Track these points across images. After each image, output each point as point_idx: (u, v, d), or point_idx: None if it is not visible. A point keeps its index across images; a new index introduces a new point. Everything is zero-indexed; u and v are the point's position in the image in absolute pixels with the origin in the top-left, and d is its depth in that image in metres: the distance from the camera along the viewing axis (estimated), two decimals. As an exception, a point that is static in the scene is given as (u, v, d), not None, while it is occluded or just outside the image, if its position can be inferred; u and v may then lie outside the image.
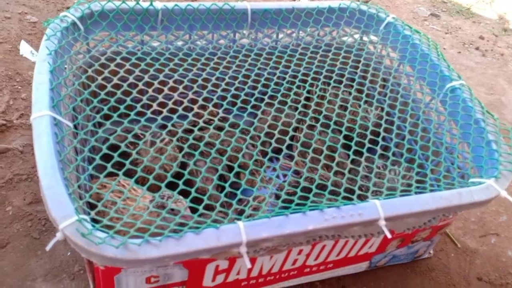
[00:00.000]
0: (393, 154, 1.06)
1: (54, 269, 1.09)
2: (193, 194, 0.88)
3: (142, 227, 0.79)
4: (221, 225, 0.80)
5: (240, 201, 1.04)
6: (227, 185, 0.93)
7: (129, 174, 0.98)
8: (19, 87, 1.53)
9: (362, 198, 0.97)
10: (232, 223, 0.81)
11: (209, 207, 0.90)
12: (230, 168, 1.09)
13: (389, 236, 0.87)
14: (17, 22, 1.78)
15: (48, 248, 0.75)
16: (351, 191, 0.96)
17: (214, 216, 0.85)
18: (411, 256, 1.25)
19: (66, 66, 1.05)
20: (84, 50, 1.17)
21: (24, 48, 1.66)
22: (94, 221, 0.81)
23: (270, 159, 1.29)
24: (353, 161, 1.10)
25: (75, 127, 1.03)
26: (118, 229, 0.78)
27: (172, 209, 0.86)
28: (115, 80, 1.05)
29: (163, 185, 0.88)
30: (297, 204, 0.89)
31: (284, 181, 1.11)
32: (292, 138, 1.22)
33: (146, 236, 0.75)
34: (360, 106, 1.24)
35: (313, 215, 0.85)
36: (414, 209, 0.91)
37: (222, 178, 1.12)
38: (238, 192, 0.92)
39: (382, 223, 0.88)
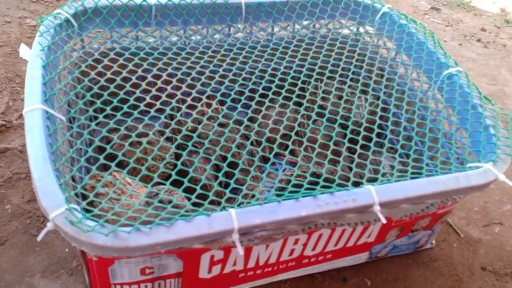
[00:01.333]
0: (390, 142, 1.05)
1: (52, 265, 1.09)
2: (186, 183, 0.87)
3: (133, 216, 0.79)
4: (212, 213, 0.79)
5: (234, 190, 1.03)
6: (220, 174, 0.93)
7: (122, 166, 0.98)
8: (19, 89, 1.54)
9: (357, 185, 0.97)
10: (224, 211, 0.80)
11: (202, 197, 0.90)
12: (224, 159, 1.08)
13: (383, 221, 0.86)
14: (17, 26, 1.80)
15: (39, 238, 0.74)
16: (347, 179, 0.95)
17: (206, 205, 0.84)
18: (412, 246, 1.23)
19: (60, 61, 1.06)
20: (78, 47, 1.17)
21: (24, 51, 1.67)
22: (88, 212, 0.81)
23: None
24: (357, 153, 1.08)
25: (70, 121, 1.04)
26: (108, 217, 0.78)
27: (164, 200, 0.85)
28: (108, 75, 1.05)
29: (155, 175, 0.88)
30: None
31: (287, 175, 1.10)
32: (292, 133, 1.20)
33: (137, 224, 0.75)
34: (355, 95, 1.23)
35: (306, 201, 0.84)
36: (410, 193, 0.89)
37: (217, 169, 1.12)
38: (232, 181, 0.92)
39: (377, 208, 0.87)
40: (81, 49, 1.16)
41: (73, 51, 1.13)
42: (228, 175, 1.04)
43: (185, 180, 0.87)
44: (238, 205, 0.87)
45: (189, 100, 1.07)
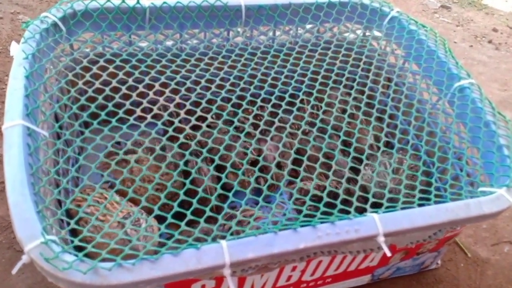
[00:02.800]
0: (396, 161, 0.98)
1: (36, 284, 1.04)
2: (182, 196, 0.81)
3: (117, 248, 0.73)
4: (202, 245, 0.73)
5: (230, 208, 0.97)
6: (218, 186, 0.87)
7: (109, 187, 0.92)
8: (9, 90, 1.47)
9: (360, 210, 0.90)
10: (214, 243, 0.74)
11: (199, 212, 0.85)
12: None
13: (388, 254, 0.79)
14: (9, 22, 1.73)
15: (14, 271, 0.69)
16: (348, 203, 0.88)
17: (197, 233, 0.78)
18: (417, 267, 1.17)
19: (46, 70, 1.00)
20: (67, 53, 1.10)
21: (15, 49, 1.61)
22: (73, 235, 0.75)
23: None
24: (352, 169, 1.02)
25: (58, 135, 0.98)
26: (89, 250, 0.72)
27: (129, 232, 0.80)
28: (97, 84, 0.98)
29: (143, 198, 0.81)
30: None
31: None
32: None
33: (119, 259, 0.69)
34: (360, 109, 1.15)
35: (305, 232, 0.78)
36: (417, 223, 0.83)
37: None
38: (230, 194, 0.86)
39: (381, 239, 0.81)
40: (69, 55, 1.09)
41: (60, 58, 1.06)
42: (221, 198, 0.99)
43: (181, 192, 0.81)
44: (232, 234, 0.81)
45: (182, 114, 1.00)
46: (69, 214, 0.90)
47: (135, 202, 0.92)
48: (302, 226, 0.79)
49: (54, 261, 0.66)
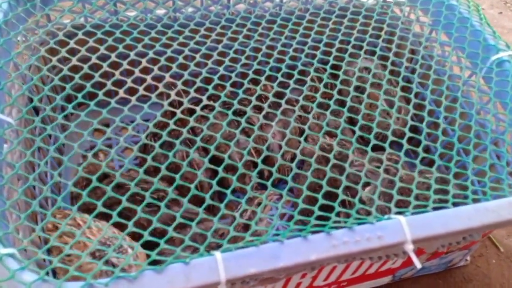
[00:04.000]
0: (425, 150, 0.83)
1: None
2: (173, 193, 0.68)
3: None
4: (191, 258, 0.60)
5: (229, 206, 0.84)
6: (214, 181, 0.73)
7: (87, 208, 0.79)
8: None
9: (382, 210, 0.76)
10: (207, 255, 0.61)
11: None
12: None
13: (418, 266, 0.66)
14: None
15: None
16: (369, 203, 0.75)
17: (187, 240, 0.65)
18: (443, 265, 1.04)
19: (14, 46, 0.86)
20: (42, 25, 0.95)
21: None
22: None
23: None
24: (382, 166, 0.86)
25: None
26: (53, 266, 0.59)
27: (111, 261, 0.66)
28: (74, 61, 0.84)
29: (130, 223, 0.67)
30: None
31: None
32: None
33: (89, 277, 0.56)
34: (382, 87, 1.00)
35: (317, 240, 0.64)
36: (453, 227, 0.69)
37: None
38: (228, 191, 0.72)
39: (409, 247, 0.67)
40: (43, 27, 0.94)
41: (34, 31, 0.92)
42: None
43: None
44: (228, 240, 0.67)
45: (172, 95, 0.86)
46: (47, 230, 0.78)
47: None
48: (313, 232, 0.65)
49: (8, 283, 0.54)
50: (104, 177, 0.85)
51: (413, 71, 1.03)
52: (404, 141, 0.84)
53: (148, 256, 0.64)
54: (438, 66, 1.02)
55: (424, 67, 1.03)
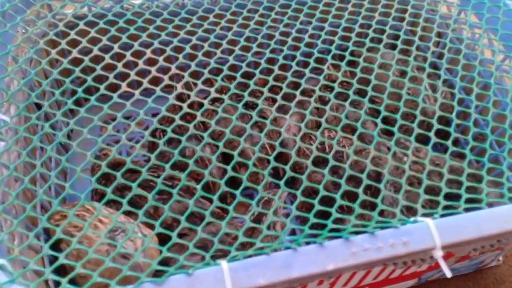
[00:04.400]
0: (454, 143, 0.76)
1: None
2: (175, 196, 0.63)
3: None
4: (195, 269, 0.54)
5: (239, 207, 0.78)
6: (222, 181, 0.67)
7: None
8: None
9: (407, 212, 0.70)
10: (213, 265, 0.55)
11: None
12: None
13: (449, 275, 0.59)
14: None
15: None
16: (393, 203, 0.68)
17: (191, 248, 0.60)
18: (473, 266, 0.96)
19: (12, 39, 0.81)
20: (43, 16, 0.91)
21: None
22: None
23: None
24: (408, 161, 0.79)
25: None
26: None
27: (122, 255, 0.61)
28: (75, 53, 0.79)
29: (140, 212, 0.62)
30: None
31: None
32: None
33: (85, 290, 0.51)
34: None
35: (334, 247, 0.58)
36: (487, 230, 0.62)
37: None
38: (238, 192, 0.66)
39: (439, 254, 0.60)
40: (43, 18, 0.89)
41: (32, 23, 0.87)
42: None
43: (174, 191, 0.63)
44: (236, 247, 0.62)
45: (179, 87, 0.80)
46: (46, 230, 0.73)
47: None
48: (330, 238, 0.59)
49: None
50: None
51: (440, 56, 0.94)
52: (431, 134, 0.76)
53: (160, 252, 0.59)
54: (468, 50, 0.93)
55: (452, 52, 0.94)
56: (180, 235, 0.62)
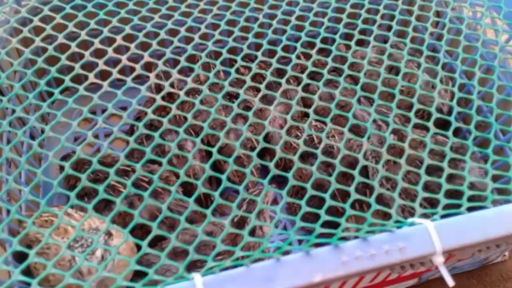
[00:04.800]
0: (455, 133, 0.69)
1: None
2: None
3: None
4: (165, 284, 0.48)
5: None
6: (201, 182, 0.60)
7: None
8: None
9: (403, 212, 0.63)
10: (184, 280, 0.49)
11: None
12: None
13: (451, 285, 0.53)
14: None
15: None
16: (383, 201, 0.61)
17: (163, 258, 0.53)
18: (478, 264, 0.90)
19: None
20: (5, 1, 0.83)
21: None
22: None
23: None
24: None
25: None
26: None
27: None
28: (37, 42, 0.72)
29: (107, 218, 0.55)
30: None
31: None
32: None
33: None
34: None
35: (322, 255, 0.52)
36: (493, 232, 0.55)
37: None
38: (216, 194, 0.60)
39: (439, 260, 0.54)
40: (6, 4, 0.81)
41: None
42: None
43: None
44: (216, 256, 0.55)
45: (152, 77, 0.72)
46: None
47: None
48: (317, 245, 0.52)
49: None
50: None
51: (439, 37, 0.87)
52: (430, 124, 0.69)
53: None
54: (469, 31, 0.86)
55: (452, 32, 0.87)
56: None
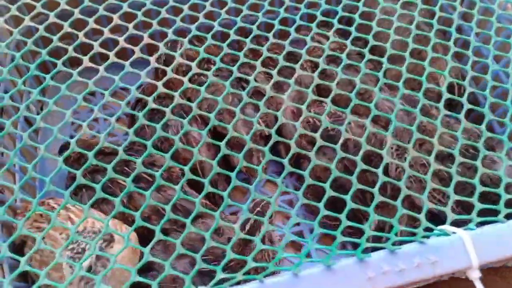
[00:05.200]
0: (488, 129, 0.62)
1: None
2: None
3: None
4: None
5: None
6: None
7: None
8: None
9: (435, 216, 0.57)
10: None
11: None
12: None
13: (487, 304, 0.47)
14: None
15: None
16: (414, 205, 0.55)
17: (167, 268, 0.47)
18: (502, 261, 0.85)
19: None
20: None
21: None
22: None
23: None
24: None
25: None
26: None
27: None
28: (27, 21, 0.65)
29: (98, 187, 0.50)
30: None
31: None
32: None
33: None
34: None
35: (345, 271, 0.46)
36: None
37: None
38: (225, 194, 0.54)
39: (475, 275, 0.48)
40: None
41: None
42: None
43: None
44: (224, 269, 0.49)
45: (152, 61, 0.65)
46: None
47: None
48: (338, 258, 0.47)
49: None
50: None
51: (467, 17, 0.79)
52: (462, 116, 0.63)
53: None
54: (501, 11, 0.78)
55: (481, 12, 0.79)
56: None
